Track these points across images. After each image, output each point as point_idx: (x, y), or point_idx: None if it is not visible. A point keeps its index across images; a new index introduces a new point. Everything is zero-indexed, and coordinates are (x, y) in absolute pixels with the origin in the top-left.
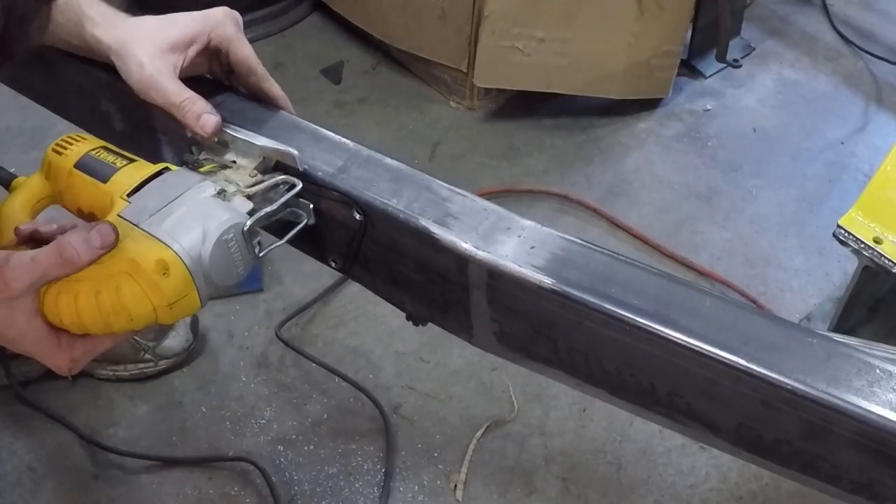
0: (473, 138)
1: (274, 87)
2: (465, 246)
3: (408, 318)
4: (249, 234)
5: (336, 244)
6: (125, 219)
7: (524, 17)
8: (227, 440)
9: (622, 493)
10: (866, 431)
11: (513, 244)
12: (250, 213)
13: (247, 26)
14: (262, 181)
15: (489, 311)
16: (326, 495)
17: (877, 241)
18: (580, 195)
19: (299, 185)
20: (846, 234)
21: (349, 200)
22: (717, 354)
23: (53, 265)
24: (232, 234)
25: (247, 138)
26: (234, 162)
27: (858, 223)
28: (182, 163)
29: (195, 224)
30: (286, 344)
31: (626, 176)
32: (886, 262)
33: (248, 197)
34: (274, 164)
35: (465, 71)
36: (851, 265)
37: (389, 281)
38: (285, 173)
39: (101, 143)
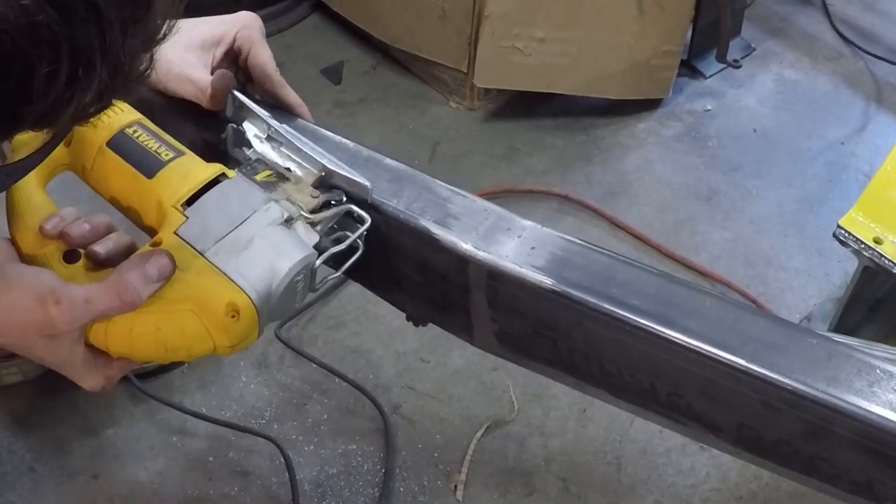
0: (473, 138)
1: (290, 95)
2: (466, 246)
3: (408, 319)
4: (315, 271)
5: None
6: (187, 241)
7: (524, 17)
8: (228, 440)
9: (622, 493)
10: (866, 432)
11: (513, 244)
12: (317, 247)
13: None
14: (326, 206)
15: (489, 311)
16: (326, 495)
17: (877, 241)
18: (580, 195)
19: (368, 222)
20: (846, 235)
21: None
22: (717, 355)
23: (111, 308)
24: (301, 275)
25: (314, 154)
26: (289, 170)
27: (858, 223)
28: (232, 159)
29: (265, 260)
30: (286, 344)
31: (627, 176)
32: (886, 262)
33: (313, 224)
34: (331, 182)
35: (465, 71)
36: (851, 265)
37: (389, 281)
38: (347, 197)
39: (137, 115)
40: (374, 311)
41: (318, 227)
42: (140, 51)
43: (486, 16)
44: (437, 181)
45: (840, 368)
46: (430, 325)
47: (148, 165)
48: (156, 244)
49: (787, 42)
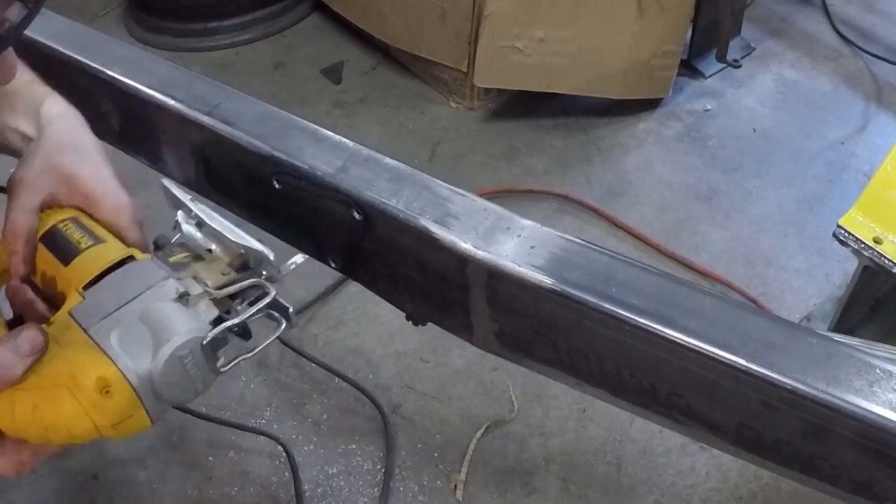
0: (473, 138)
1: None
2: (465, 245)
3: (408, 318)
4: (210, 348)
5: (336, 244)
6: (74, 319)
7: (524, 17)
8: (228, 440)
9: (622, 493)
10: (866, 431)
11: (512, 244)
12: (214, 323)
13: (247, 26)
14: (233, 282)
15: (489, 310)
16: (326, 495)
17: (877, 241)
18: (580, 195)
19: (271, 294)
20: (846, 234)
21: (349, 200)
22: (717, 354)
23: None
24: (188, 350)
25: (223, 231)
26: (210, 251)
27: (858, 223)
28: (154, 244)
29: (146, 336)
30: (286, 344)
31: (626, 176)
32: (886, 262)
33: (216, 300)
34: (251, 261)
35: (465, 71)
36: (851, 265)
37: (389, 281)
38: (262, 273)
39: (76, 212)
40: (374, 311)
41: (222, 305)
42: None
43: (486, 16)
44: (437, 181)
45: (840, 368)
46: (430, 324)
47: (66, 254)
48: (48, 324)
49: (787, 42)
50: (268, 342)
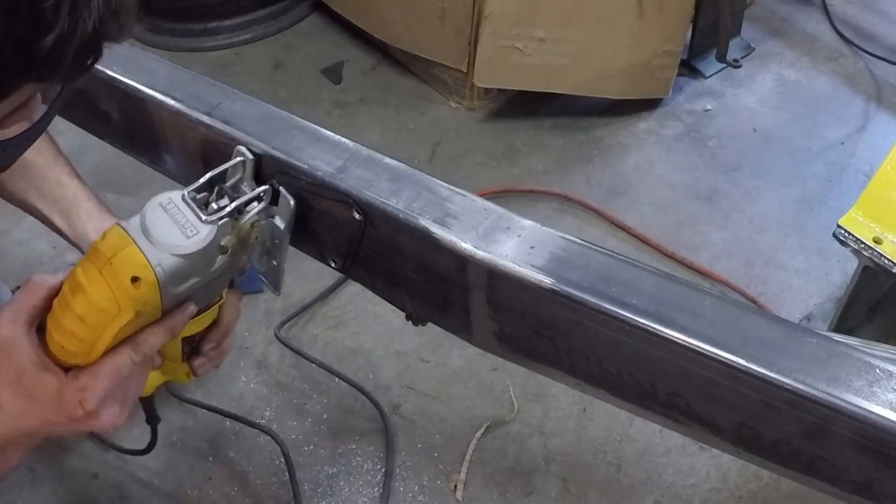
0: (473, 138)
1: None
2: (465, 245)
3: (408, 318)
4: (192, 200)
5: (336, 244)
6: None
7: (524, 17)
8: (228, 440)
9: (622, 493)
10: (866, 431)
11: (512, 244)
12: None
13: (247, 26)
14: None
15: (489, 310)
16: (326, 495)
17: (877, 241)
18: (580, 195)
19: (250, 158)
20: (846, 234)
21: (349, 200)
22: (717, 354)
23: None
24: (169, 200)
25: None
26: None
27: (858, 223)
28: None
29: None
30: (285, 344)
31: (626, 176)
32: (886, 262)
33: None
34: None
35: (465, 71)
36: (851, 265)
37: (389, 281)
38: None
39: None
40: (374, 311)
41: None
42: None
43: (486, 16)
44: (437, 181)
45: (840, 368)
46: (430, 324)
47: None
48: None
49: (787, 42)
50: (257, 209)
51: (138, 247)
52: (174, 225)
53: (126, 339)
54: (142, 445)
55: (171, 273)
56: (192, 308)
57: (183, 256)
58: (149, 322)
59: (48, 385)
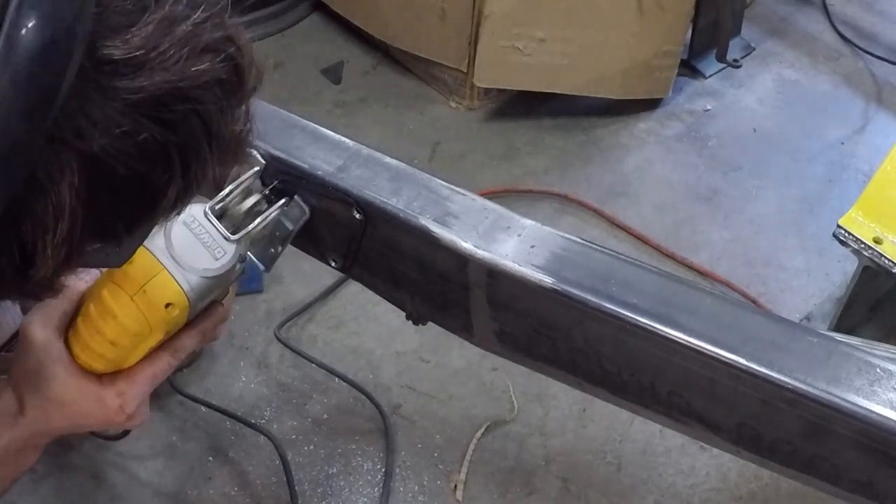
0: (473, 138)
1: None
2: (465, 245)
3: (408, 318)
4: (213, 214)
5: (336, 243)
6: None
7: (524, 17)
8: (228, 440)
9: (622, 493)
10: (867, 431)
11: (513, 243)
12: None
13: (247, 26)
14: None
15: (489, 310)
16: (326, 495)
17: (877, 241)
18: (580, 195)
19: (262, 165)
20: (846, 234)
21: (349, 200)
22: (717, 353)
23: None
24: (192, 217)
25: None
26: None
27: (858, 223)
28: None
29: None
30: (285, 344)
31: (626, 176)
32: (886, 262)
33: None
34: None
35: (465, 71)
36: (851, 265)
37: (389, 280)
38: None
39: None
40: (374, 310)
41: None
42: (239, 118)
43: (486, 16)
44: (437, 180)
45: (840, 367)
46: (430, 324)
47: None
48: None
49: (787, 42)
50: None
51: (170, 273)
52: (201, 246)
53: (164, 346)
54: (140, 445)
55: (200, 293)
56: (222, 310)
57: (212, 278)
58: (175, 331)
59: (84, 390)
